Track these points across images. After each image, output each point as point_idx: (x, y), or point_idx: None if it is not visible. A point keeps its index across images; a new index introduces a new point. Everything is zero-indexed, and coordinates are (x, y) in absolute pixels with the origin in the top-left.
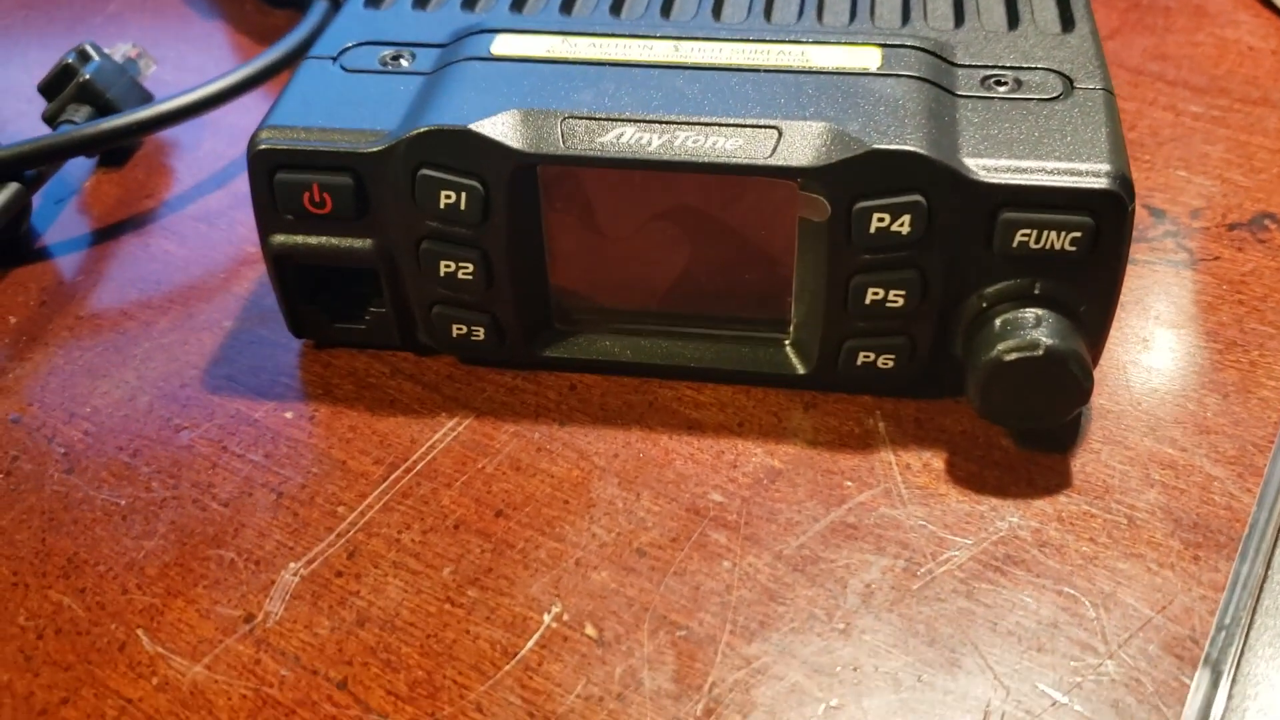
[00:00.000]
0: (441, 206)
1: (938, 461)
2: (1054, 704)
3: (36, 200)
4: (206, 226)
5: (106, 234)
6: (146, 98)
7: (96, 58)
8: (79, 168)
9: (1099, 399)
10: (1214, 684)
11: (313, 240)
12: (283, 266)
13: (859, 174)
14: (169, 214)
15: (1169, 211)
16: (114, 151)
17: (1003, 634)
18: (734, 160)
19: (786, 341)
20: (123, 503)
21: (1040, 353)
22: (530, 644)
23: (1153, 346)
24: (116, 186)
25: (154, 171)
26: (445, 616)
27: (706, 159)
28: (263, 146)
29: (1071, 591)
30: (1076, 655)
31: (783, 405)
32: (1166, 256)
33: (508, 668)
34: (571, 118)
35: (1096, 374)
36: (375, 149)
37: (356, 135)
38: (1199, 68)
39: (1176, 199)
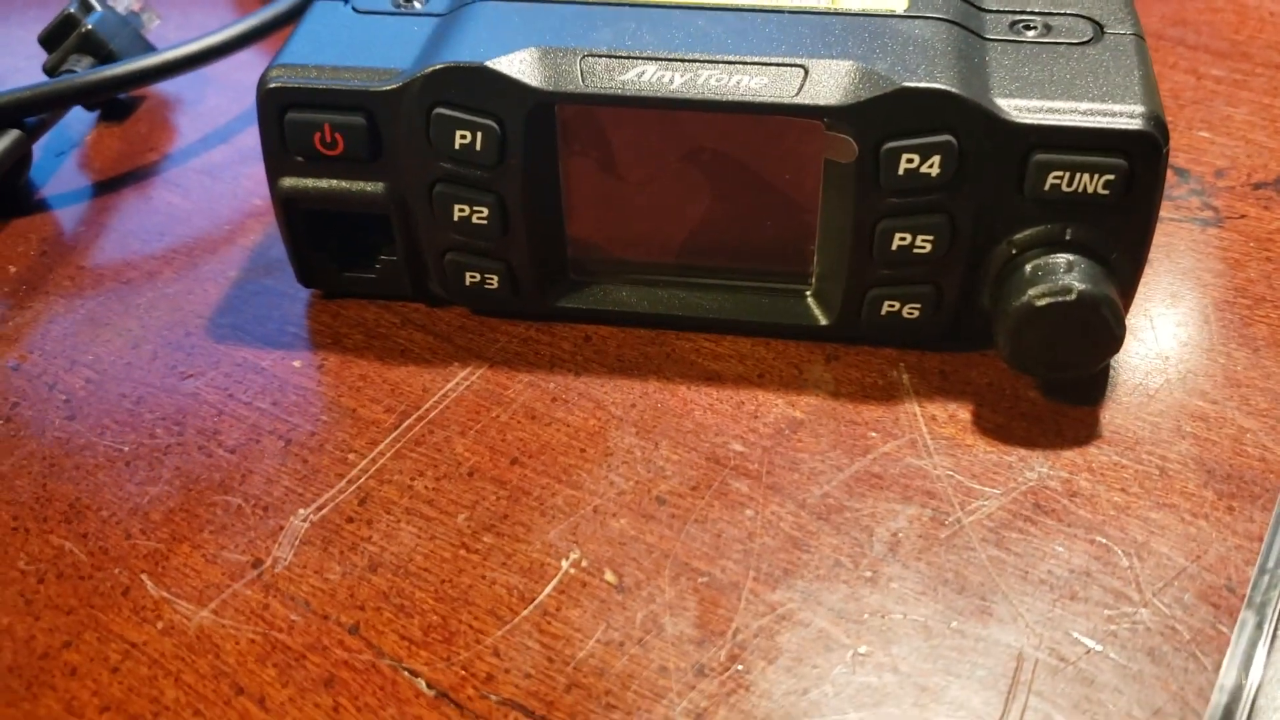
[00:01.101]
0: (456, 147)
1: (964, 413)
2: (1088, 651)
3: (37, 153)
4: (210, 180)
5: (108, 186)
6: (149, 52)
7: (99, 8)
8: (80, 122)
9: (1126, 352)
10: (1259, 625)
11: (323, 183)
12: (292, 211)
13: (888, 113)
14: (172, 167)
15: (1193, 171)
16: (116, 106)
17: (1034, 582)
18: (759, 99)
19: (808, 292)
20: (126, 449)
21: (1073, 297)
22: (548, 589)
23: (1181, 301)
24: (118, 140)
25: (156, 126)
26: (460, 562)
27: (730, 98)
28: (273, 85)
29: (1104, 540)
30: (1110, 603)
31: (804, 357)
32: (1193, 214)
33: (525, 613)
34: (591, 55)
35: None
36: (389, 87)
37: (369, 74)
38: (1219, 33)
39: (1200, 159)
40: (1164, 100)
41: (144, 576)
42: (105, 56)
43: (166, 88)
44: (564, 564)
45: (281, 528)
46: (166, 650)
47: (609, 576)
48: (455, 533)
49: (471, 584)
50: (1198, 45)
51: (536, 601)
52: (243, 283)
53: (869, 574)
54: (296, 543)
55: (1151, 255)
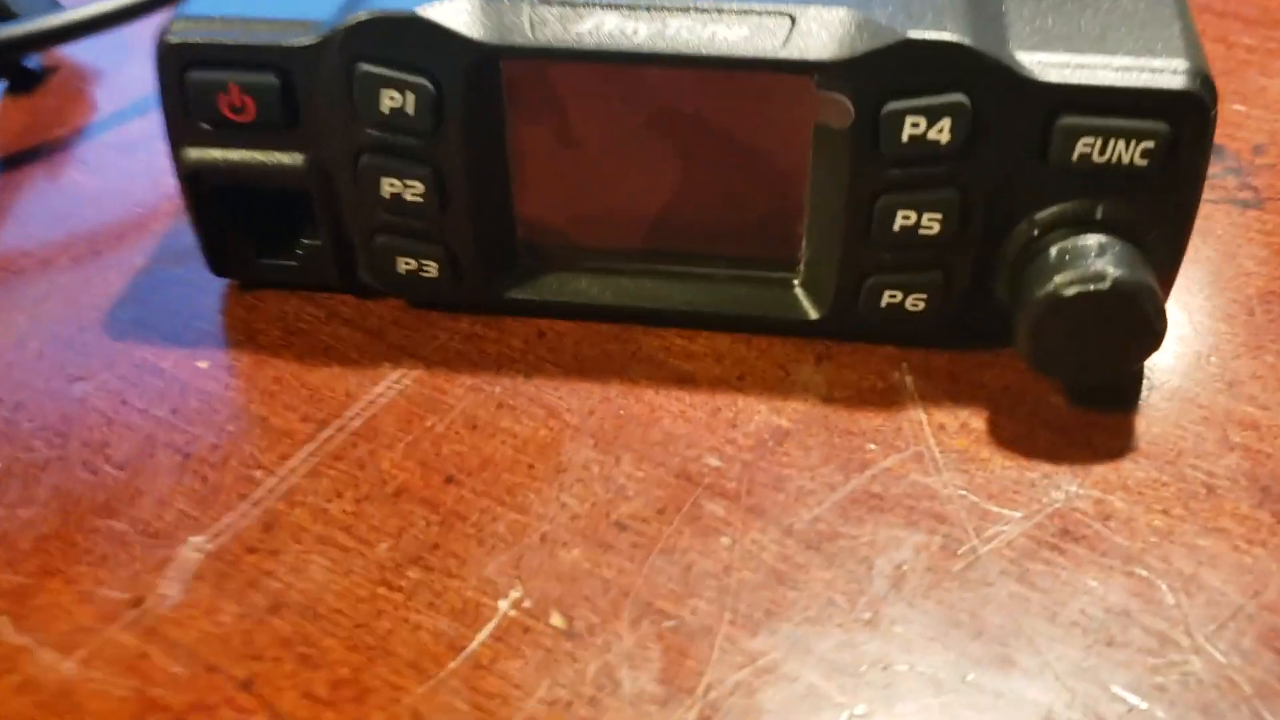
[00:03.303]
0: (385, 111)
1: (977, 421)
2: (1130, 710)
3: None
4: (124, 157)
5: (9, 164)
6: (55, 10)
7: None
8: None
9: (1164, 351)
10: None
11: (233, 155)
12: (199, 187)
13: (889, 68)
14: (82, 143)
15: (1229, 147)
16: (22, 75)
17: (1064, 625)
18: (738, 53)
19: (796, 281)
20: None
21: (1107, 286)
22: (483, 636)
23: (1222, 292)
24: (24, 113)
25: (68, 98)
26: (379, 602)
27: (705, 51)
28: (172, 39)
29: (1144, 573)
30: (1155, 650)
31: (791, 356)
32: (1230, 195)
33: (454, 665)
34: (542, 2)
35: None
36: (305, 42)
37: (284, 26)
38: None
39: (1235, 134)
40: None
41: (3, 618)
42: (4, 15)
43: (81, 56)
44: (503, 605)
45: (170, 559)
46: (19, 711)
47: (556, 620)
48: (375, 566)
49: (391, 629)
50: (1225, 12)
51: (468, 651)
52: (150, 271)
53: (868, 616)
54: (187, 577)
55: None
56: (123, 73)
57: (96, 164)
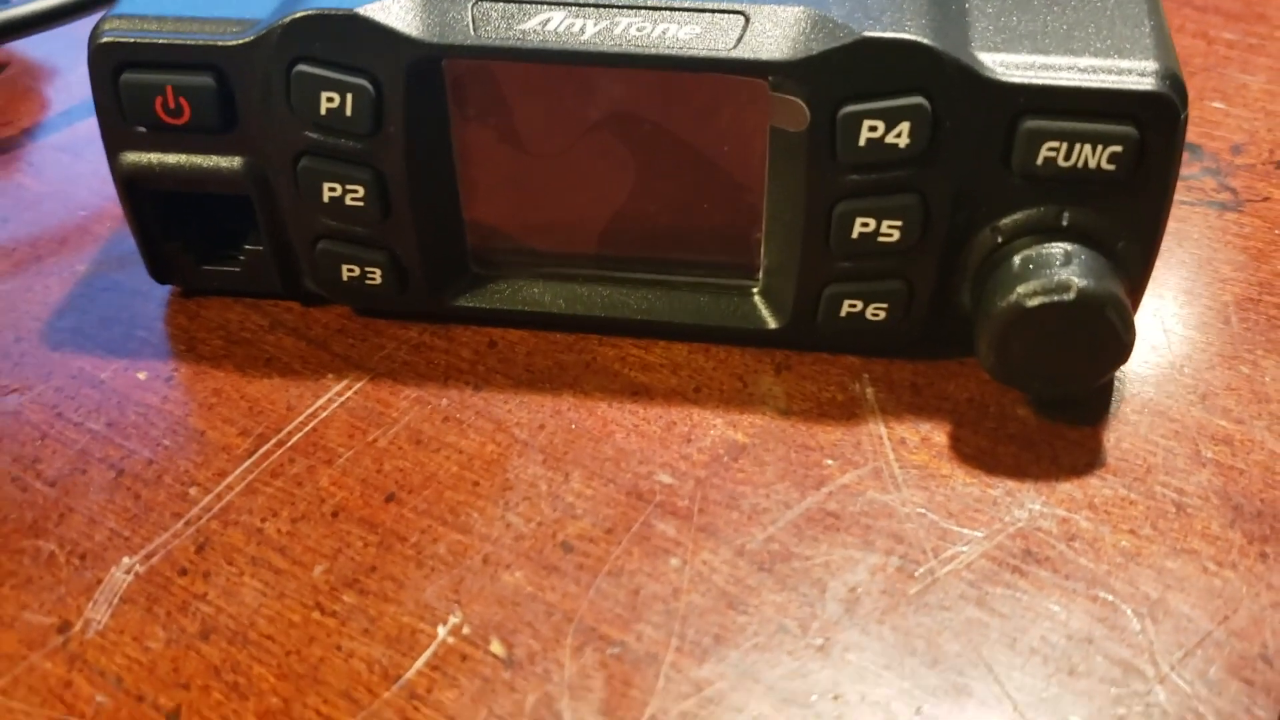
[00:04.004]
0: (323, 112)
1: (939, 435)
2: None
3: None
4: (70, 158)
5: None
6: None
7: None
8: None
9: (1134, 362)
10: None
11: (170, 159)
12: (136, 192)
13: (846, 69)
14: (28, 144)
15: (1206, 147)
16: None
17: (1024, 652)
18: (689, 52)
19: (755, 289)
20: None
21: (1072, 296)
22: (419, 664)
23: (1196, 300)
24: None
25: (17, 97)
26: (312, 628)
27: (655, 51)
28: (104, 40)
29: (1109, 597)
30: (1118, 679)
31: (749, 367)
32: (1207, 197)
33: (387, 695)
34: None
35: None
36: (241, 40)
37: (219, 25)
38: None
39: (1214, 133)
40: None
41: None
42: None
43: (33, 53)
44: (441, 631)
45: (100, 581)
46: None
47: (495, 647)
48: (309, 590)
49: (324, 656)
50: (1206, 6)
51: (403, 680)
52: (90, 279)
53: (819, 642)
54: (115, 601)
55: (1161, 246)
56: (77, 70)
57: (40, 165)
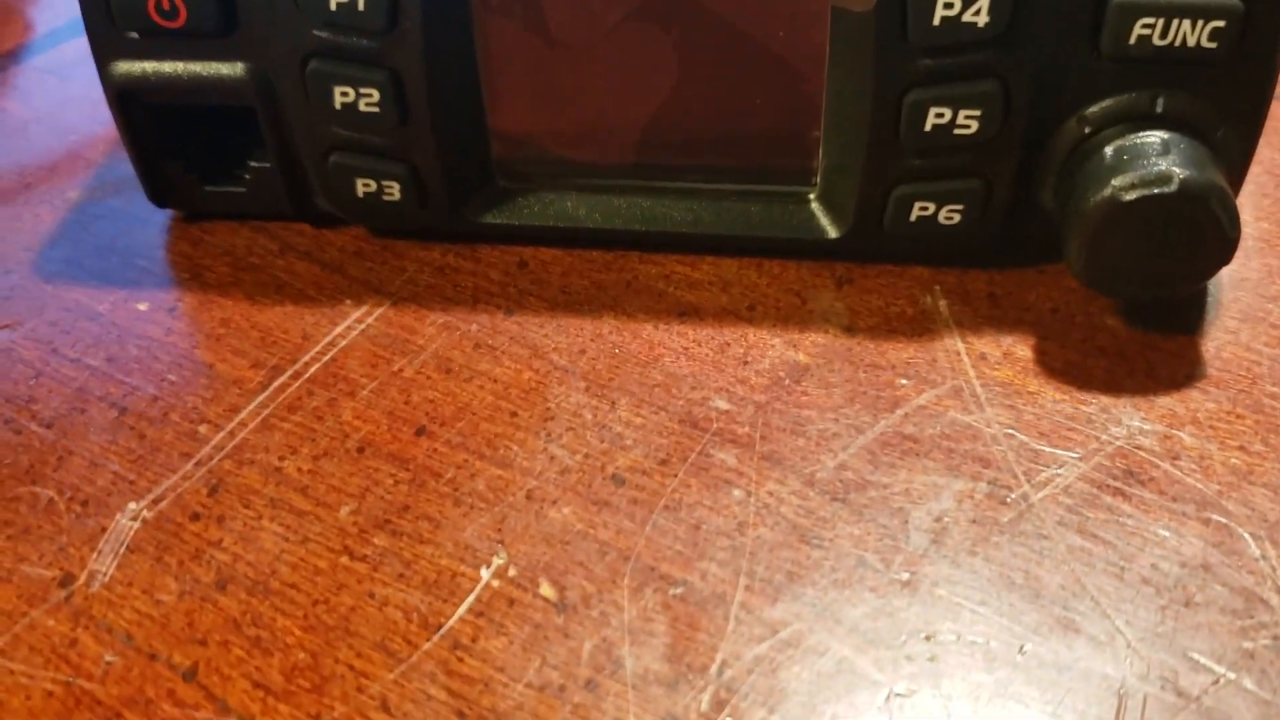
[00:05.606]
0: (333, 7)
1: (1022, 349)
2: (1216, 681)
3: None
4: (58, 82)
5: None
6: None
7: None
8: None
9: (1229, 266)
10: None
11: (166, 68)
12: (130, 106)
13: None
14: (11, 67)
15: None
16: None
17: (1134, 583)
18: None
19: (812, 195)
20: None
21: (1174, 188)
22: (461, 610)
23: None
24: None
25: (1, 19)
26: (340, 575)
27: None
28: None
29: (1223, 520)
30: (1240, 610)
31: (807, 282)
32: None
33: (428, 646)
34: None
35: None
36: None
37: None
38: None
39: None
40: None
41: None
42: None
43: None
44: (484, 574)
45: (104, 529)
46: None
47: (546, 590)
48: (336, 533)
49: (355, 605)
50: None
51: (444, 629)
52: (84, 205)
53: (905, 576)
54: (122, 550)
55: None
56: None
57: (26, 89)
